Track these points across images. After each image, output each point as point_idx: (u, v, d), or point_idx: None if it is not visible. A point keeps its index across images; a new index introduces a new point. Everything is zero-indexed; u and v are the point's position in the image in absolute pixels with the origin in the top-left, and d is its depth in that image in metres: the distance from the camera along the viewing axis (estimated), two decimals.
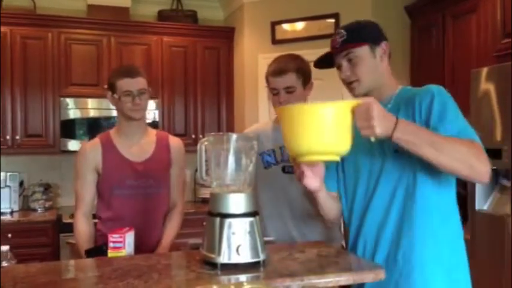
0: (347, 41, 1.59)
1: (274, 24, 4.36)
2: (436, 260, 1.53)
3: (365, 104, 1.33)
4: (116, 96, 2.27)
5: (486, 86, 2.85)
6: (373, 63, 1.60)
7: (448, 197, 1.56)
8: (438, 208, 1.54)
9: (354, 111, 1.35)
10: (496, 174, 2.87)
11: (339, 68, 1.64)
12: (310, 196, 1.66)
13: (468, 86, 2.98)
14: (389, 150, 1.54)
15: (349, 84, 1.64)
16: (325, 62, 1.68)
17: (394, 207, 1.56)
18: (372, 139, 1.36)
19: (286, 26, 4.35)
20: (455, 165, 1.38)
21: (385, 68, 1.64)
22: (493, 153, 2.77)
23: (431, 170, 1.48)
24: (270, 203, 2.20)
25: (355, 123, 1.36)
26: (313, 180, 1.54)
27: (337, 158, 1.43)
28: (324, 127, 1.36)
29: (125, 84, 2.24)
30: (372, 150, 1.59)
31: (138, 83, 2.26)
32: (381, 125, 1.32)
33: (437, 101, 1.48)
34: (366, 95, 1.60)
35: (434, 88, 1.52)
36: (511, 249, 2.63)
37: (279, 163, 2.22)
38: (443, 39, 3.63)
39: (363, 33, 1.61)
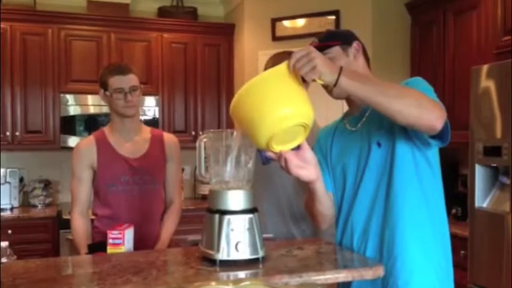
0: (320, 43, 1.64)
1: (274, 21, 4.35)
2: (419, 250, 1.52)
3: (303, 49, 1.34)
4: (107, 93, 2.27)
5: (486, 83, 2.84)
6: (346, 62, 1.61)
7: (431, 188, 1.57)
8: (420, 200, 1.54)
9: (293, 69, 1.35)
10: (495, 172, 2.87)
11: None
12: (305, 187, 1.60)
13: (468, 83, 2.98)
14: (374, 145, 1.56)
15: (327, 87, 1.63)
16: None
17: (378, 202, 1.56)
18: (320, 82, 1.36)
19: (286, 23, 4.35)
20: (405, 108, 1.34)
21: (361, 66, 1.65)
22: (493, 151, 2.78)
23: (411, 162, 1.51)
24: (269, 199, 2.20)
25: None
26: (305, 171, 1.48)
27: (304, 120, 1.37)
28: (272, 95, 1.34)
29: (116, 81, 2.25)
30: (359, 146, 1.61)
31: (130, 80, 2.26)
32: (323, 65, 1.33)
33: (411, 83, 1.51)
34: (345, 96, 1.62)
35: (412, 78, 1.56)
36: (511, 247, 2.63)
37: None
38: (444, 37, 3.63)
39: (334, 36, 1.66)
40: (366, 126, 1.61)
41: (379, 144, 1.55)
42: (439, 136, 1.43)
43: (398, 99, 1.35)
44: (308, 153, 1.47)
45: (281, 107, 1.35)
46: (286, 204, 2.20)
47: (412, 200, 1.53)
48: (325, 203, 1.64)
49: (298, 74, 1.37)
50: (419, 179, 1.54)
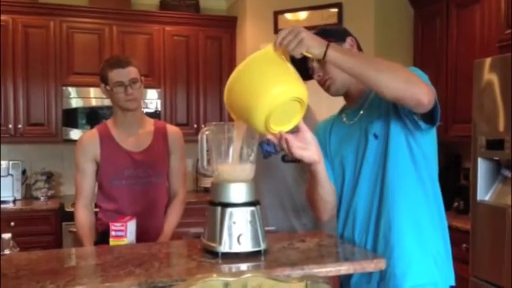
0: None
1: (276, 14, 4.34)
2: (416, 239, 1.54)
3: (289, 28, 1.37)
4: (108, 87, 2.26)
5: (489, 76, 2.83)
6: None
7: (427, 179, 1.57)
8: (417, 190, 1.55)
9: (280, 48, 1.37)
10: (498, 165, 2.87)
11: (313, 72, 1.67)
12: (308, 171, 1.60)
13: (471, 76, 2.96)
14: (371, 136, 1.57)
15: (323, 85, 1.66)
16: (303, 74, 1.70)
17: (377, 193, 1.58)
18: (308, 55, 1.37)
19: (288, 16, 4.33)
20: (393, 81, 1.35)
21: None
22: (496, 144, 2.77)
23: (406, 152, 1.53)
24: (271, 192, 2.21)
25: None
26: (307, 151, 1.48)
27: (297, 95, 1.38)
28: (263, 75, 1.37)
29: (116, 75, 2.24)
30: (357, 139, 1.62)
31: (129, 72, 2.25)
32: (310, 38, 1.35)
33: None
34: (343, 92, 1.65)
35: (409, 68, 1.57)
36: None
37: (278, 152, 2.24)
38: (447, 30, 3.61)
39: (327, 33, 1.65)
40: (363, 119, 1.62)
41: (375, 136, 1.57)
42: (429, 119, 1.45)
43: (386, 73, 1.37)
44: (308, 134, 1.49)
45: (273, 84, 1.36)
46: (287, 197, 2.21)
47: (409, 190, 1.54)
48: (327, 187, 1.64)
49: (286, 52, 1.39)
50: (416, 169, 1.55)
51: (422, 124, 1.47)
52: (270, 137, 1.45)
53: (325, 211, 1.71)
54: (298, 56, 1.37)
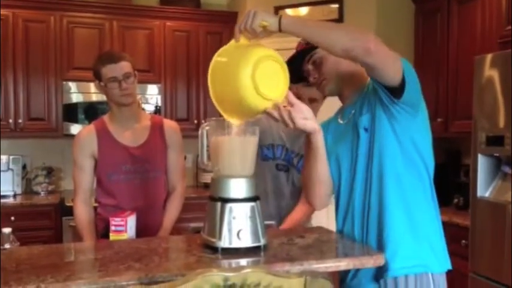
0: (306, 44, 1.70)
1: (277, 9, 4.33)
2: (405, 222, 1.55)
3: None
4: (102, 84, 2.26)
5: (490, 72, 2.83)
6: (334, 60, 1.64)
7: (420, 167, 1.59)
8: (406, 177, 1.56)
9: (240, 35, 1.47)
10: (498, 162, 2.87)
11: (308, 74, 1.71)
12: (307, 144, 1.62)
13: (472, 72, 2.96)
14: (362, 131, 1.60)
15: (319, 86, 1.71)
16: (300, 77, 1.74)
17: (371, 185, 1.59)
18: (265, 23, 1.43)
19: (289, 11, 4.32)
20: (342, 36, 1.44)
21: (349, 62, 1.66)
22: (496, 140, 2.77)
23: (394, 140, 1.55)
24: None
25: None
26: (309, 121, 1.52)
27: (270, 53, 1.46)
28: (235, 60, 1.45)
29: (109, 70, 2.24)
30: (351, 136, 1.64)
31: (122, 67, 2.25)
32: (262, 11, 1.45)
33: None
34: (338, 92, 1.71)
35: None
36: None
37: (274, 160, 2.34)
38: (448, 25, 3.61)
39: None
40: (355, 117, 1.64)
41: (366, 130, 1.59)
42: (399, 93, 1.49)
43: (334, 30, 1.47)
44: (303, 106, 1.52)
45: (246, 55, 1.44)
46: (270, 182, 2.28)
47: (398, 175, 1.55)
48: (326, 164, 1.66)
49: (248, 38, 1.48)
50: (404, 154, 1.56)
51: (394, 98, 1.49)
52: (270, 110, 1.47)
53: (321, 197, 1.73)
54: (258, 30, 1.43)
